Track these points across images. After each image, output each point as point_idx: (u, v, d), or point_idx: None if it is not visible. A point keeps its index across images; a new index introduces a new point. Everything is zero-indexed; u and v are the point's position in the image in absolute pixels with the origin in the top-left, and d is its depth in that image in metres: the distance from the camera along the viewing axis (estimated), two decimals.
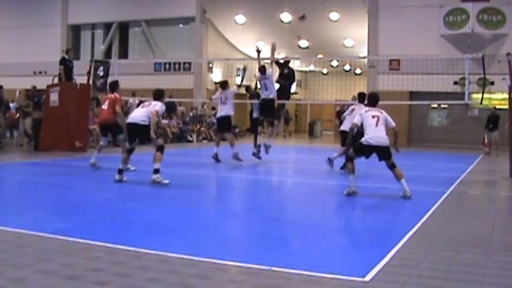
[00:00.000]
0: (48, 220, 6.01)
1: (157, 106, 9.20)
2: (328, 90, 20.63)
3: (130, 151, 9.41)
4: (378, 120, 8.15)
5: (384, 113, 8.34)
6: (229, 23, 26.99)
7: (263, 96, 13.02)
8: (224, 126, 13.11)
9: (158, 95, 9.66)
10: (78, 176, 10.40)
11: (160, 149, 9.03)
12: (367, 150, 8.20)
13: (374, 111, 8.32)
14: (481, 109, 21.68)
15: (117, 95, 11.21)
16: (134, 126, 9.17)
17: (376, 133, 8.09)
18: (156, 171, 8.95)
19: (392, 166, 8.16)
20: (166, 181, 8.90)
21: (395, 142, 8.44)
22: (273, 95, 12.84)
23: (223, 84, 13.48)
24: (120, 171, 9.22)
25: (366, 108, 8.53)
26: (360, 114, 8.35)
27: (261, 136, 13.91)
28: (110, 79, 16.41)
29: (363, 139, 8.19)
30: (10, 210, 6.69)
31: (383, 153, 8.14)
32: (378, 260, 4.56)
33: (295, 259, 4.65)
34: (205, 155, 12.25)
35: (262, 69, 12.97)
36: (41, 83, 17.58)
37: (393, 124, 8.30)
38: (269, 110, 12.93)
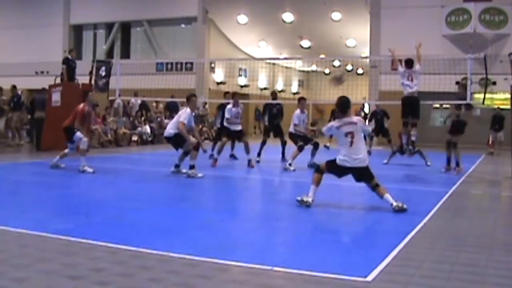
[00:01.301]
0: (49, 220, 6.01)
1: (181, 117, 10.23)
2: (330, 90, 20.61)
3: (185, 153, 10.38)
4: (353, 137, 7.10)
5: (359, 123, 7.32)
6: (231, 23, 27.00)
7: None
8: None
9: (186, 99, 10.69)
10: (80, 176, 10.39)
11: (195, 148, 10.11)
12: (342, 171, 7.30)
13: (348, 126, 7.16)
14: (483, 109, 21.64)
15: (83, 107, 10.76)
16: (167, 138, 10.50)
17: (350, 154, 7.11)
18: (192, 167, 10.00)
19: (374, 187, 7.19)
20: (200, 175, 9.98)
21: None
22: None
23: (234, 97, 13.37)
24: (177, 166, 10.39)
25: (337, 124, 7.25)
26: (334, 127, 7.29)
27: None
28: (112, 79, 16.46)
29: (337, 158, 7.23)
30: (12, 210, 6.69)
31: (361, 174, 7.25)
32: (380, 260, 4.55)
33: (297, 259, 4.65)
34: (207, 155, 12.22)
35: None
36: (43, 83, 17.59)
37: (369, 130, 7.61)
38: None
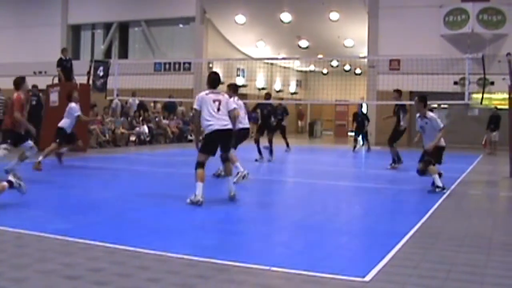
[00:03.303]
0: (48, 220, 6.00)
1: None
2: (328, 90, 20.65)
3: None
4: (220, 104, 7.47)
5: (226, 95, 7.80)
6: (229, 23, 27.00)
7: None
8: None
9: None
10: (78, 176, 10.39)
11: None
12: (212, 141, 7.47)
13: (215, 95, 7.55)
14: (481, 109, 21.68)
15: (19, 94, 9.18)
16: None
17: (218, 118, 7.40)
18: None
19: (227, 159, 7.79)
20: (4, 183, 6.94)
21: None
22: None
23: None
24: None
25: (205, 92, 7.63)
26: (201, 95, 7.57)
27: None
28: (110, 79, 16.43)
29: (205, 129, 7.50)
30: (10, 210, 6.68)
31: (227, 140, 7.57)
32: (378, 260, 4.55)
33: (295, 259, 4.65)
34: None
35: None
36: (41, 83, 17.55)
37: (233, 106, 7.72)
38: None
